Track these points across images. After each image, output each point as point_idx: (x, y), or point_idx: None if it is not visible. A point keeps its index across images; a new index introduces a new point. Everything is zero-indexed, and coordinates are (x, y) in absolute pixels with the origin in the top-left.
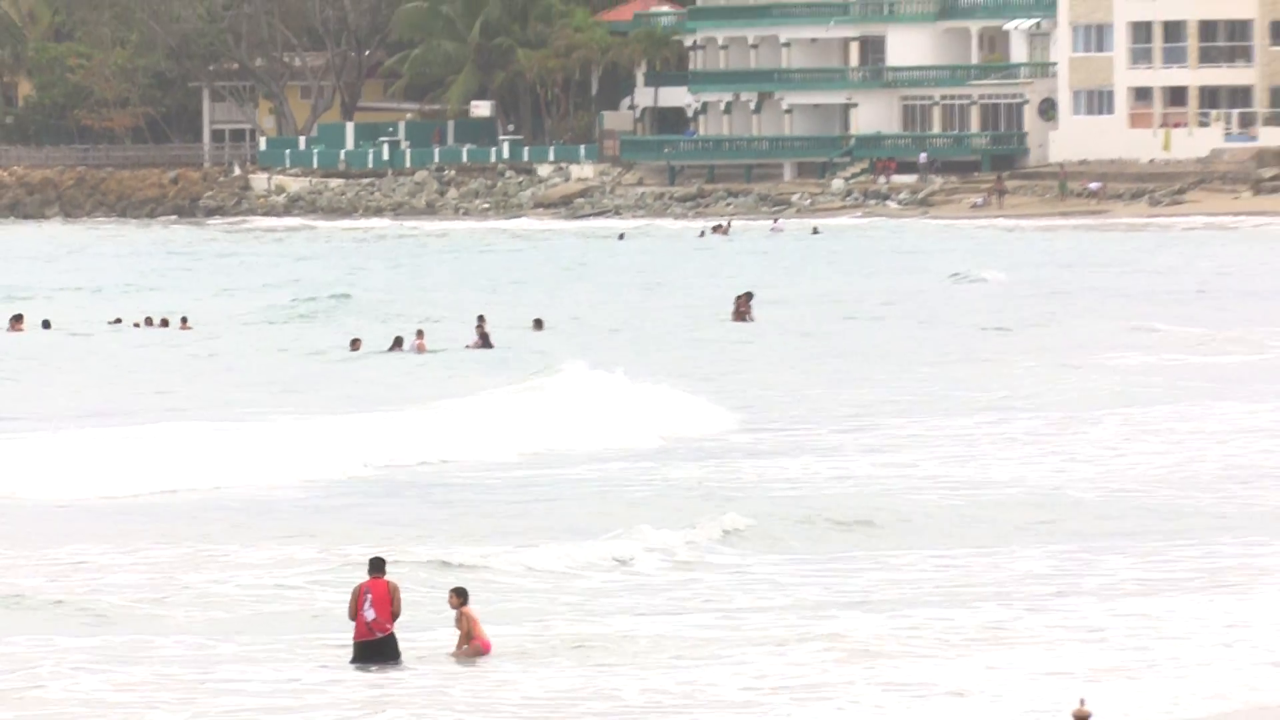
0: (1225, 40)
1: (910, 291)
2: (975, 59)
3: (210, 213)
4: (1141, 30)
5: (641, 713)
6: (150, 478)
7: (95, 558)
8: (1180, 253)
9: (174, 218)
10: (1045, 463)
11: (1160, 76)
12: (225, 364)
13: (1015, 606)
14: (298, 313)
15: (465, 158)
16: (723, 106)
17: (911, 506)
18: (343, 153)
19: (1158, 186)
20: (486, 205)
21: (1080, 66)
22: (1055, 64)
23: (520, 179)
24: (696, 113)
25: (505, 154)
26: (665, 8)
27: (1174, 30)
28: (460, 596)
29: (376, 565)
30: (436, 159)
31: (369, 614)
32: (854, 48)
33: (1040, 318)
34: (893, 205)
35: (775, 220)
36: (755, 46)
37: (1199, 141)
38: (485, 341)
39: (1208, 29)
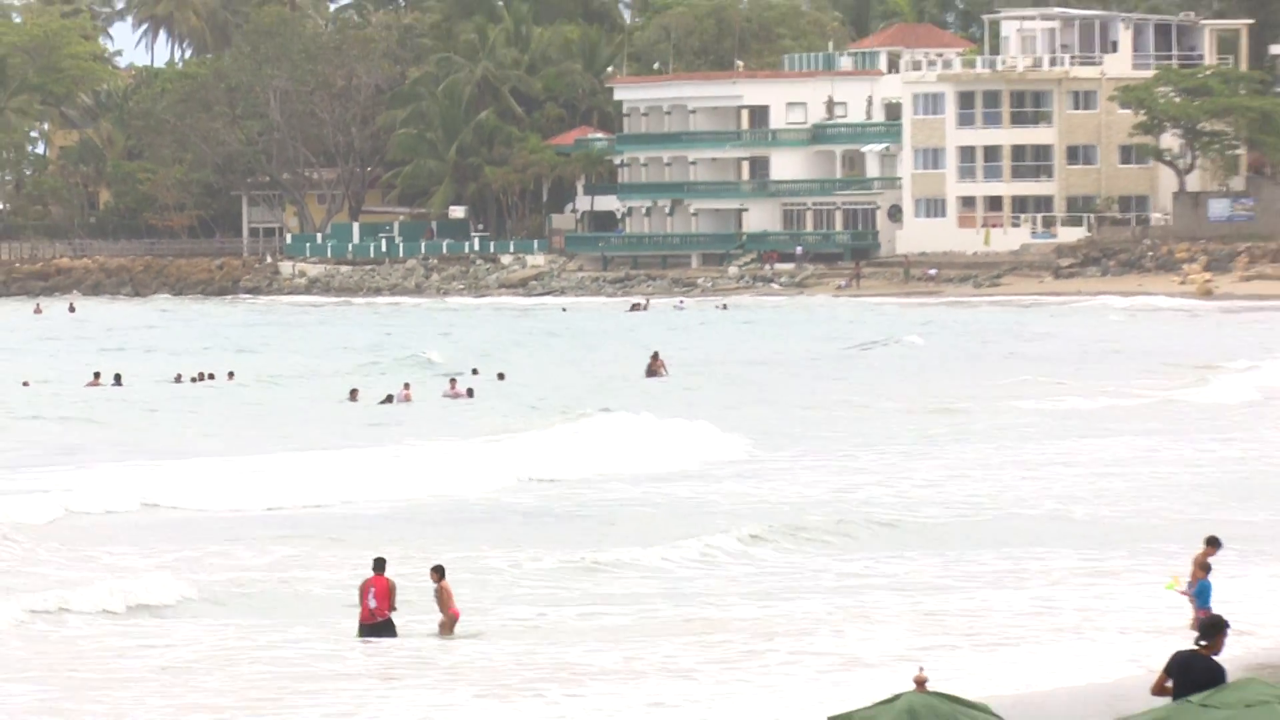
0: (1032, 160)
1: (832, 353)
2: (839, 174)
3: (248, 291)
4: (967, 153)
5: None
6: (298, 494)
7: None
8: (1036, 323)
9: (220, 296)
10: (982, 483)
11: (982, 188)
12: (328, 410)
13: (903, 594)
14: (379, 369)
15: (445, 249)
16: (644, 210)
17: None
18: (350, 245)
19: (980, 272)
20: (462, 286)
21: (920, 180)
22: (900, 178)
23: (488, 266)
24: (624, 215)
25: (476, 247)
26: (599, 135)
27: (992, 153)
28: (439, 573)
29: (378, 565)
30: (423, 250)
31: (371, 603)
32: (745, 165)
33: (967, 370)
34: (776, 287)
35: (680, 301)
36: (669, 164)
37: (1012, 238)
38: (468, 393)
39: (1018, 151)
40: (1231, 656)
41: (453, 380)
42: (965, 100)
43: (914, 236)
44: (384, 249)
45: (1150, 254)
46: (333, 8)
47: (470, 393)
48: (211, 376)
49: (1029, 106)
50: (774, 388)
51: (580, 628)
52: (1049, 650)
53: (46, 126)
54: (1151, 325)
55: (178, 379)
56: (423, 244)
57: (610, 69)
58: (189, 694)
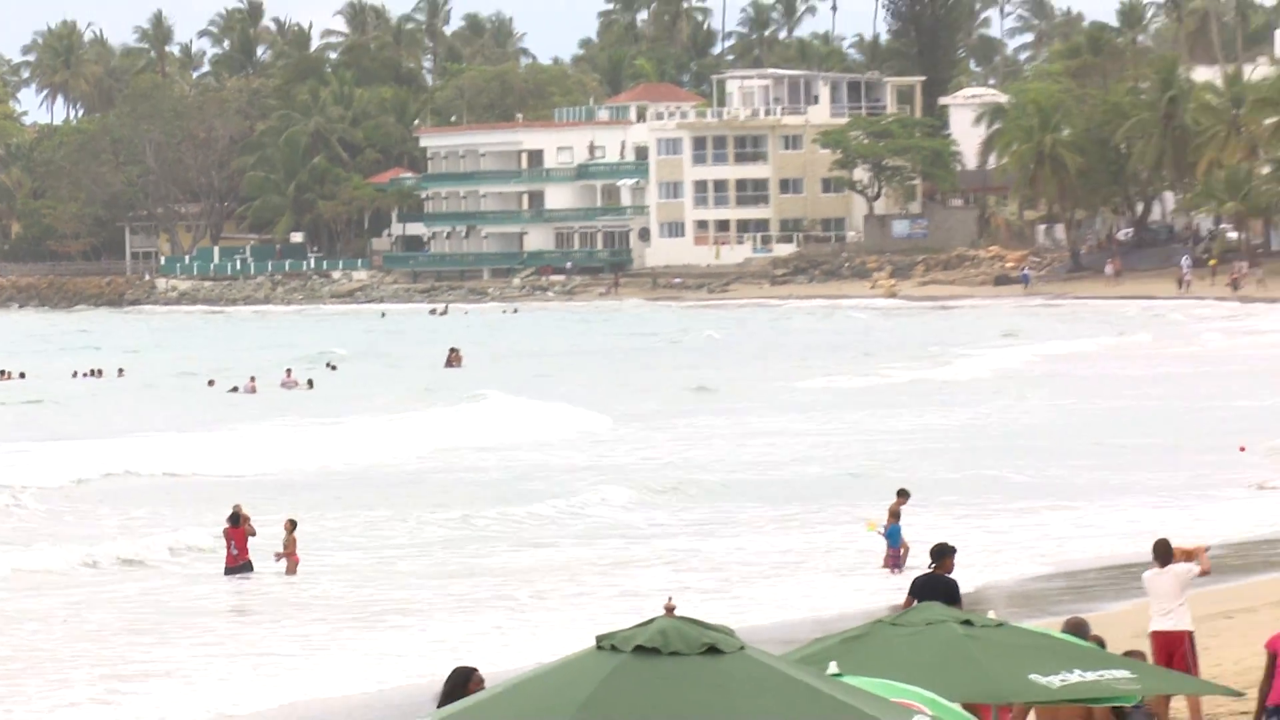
0: (752, 191)
1: (642, 346)
2: (599, 203)
3: (131, 303)
4: (701, 185)
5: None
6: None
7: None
8: (796, 320)
9: (109, 307)
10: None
11: (712, 213)
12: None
13: (679, 540)
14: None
15: (287, 267)
16: (445, 234)
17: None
18: (212, 265)
19: (712, 280)
20: (300, 297)
21: (663, 208)
22: (648, 206)
23: (322, 280)
24: (429, 238)
25: (312, 265)
26: (408, 174)
27: (720, 185)
28: (292, 525)
29: (233, 519)
30: (270, 269)
31: (233, 550)
32: (525, 197)
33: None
34: (550, 295)
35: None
36: (464, 197)
37: (737, 253)
38: (301, 385)
39: (741, 184)
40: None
41: (288, 370)
42: (698, 144)
43: (660, 253)
44: (239, 267)
45: (847, 264)
46: (195, 74)
47: (310, 383)
48: (101, 373)
49: (749, 148)
50: (610, 373)
51: (427, 570)
52: (787, 585)
53: None
54: (872, 321)
55: (74, 374)
56: (269, 263)
57: (417, 121)
58: (84, 625)
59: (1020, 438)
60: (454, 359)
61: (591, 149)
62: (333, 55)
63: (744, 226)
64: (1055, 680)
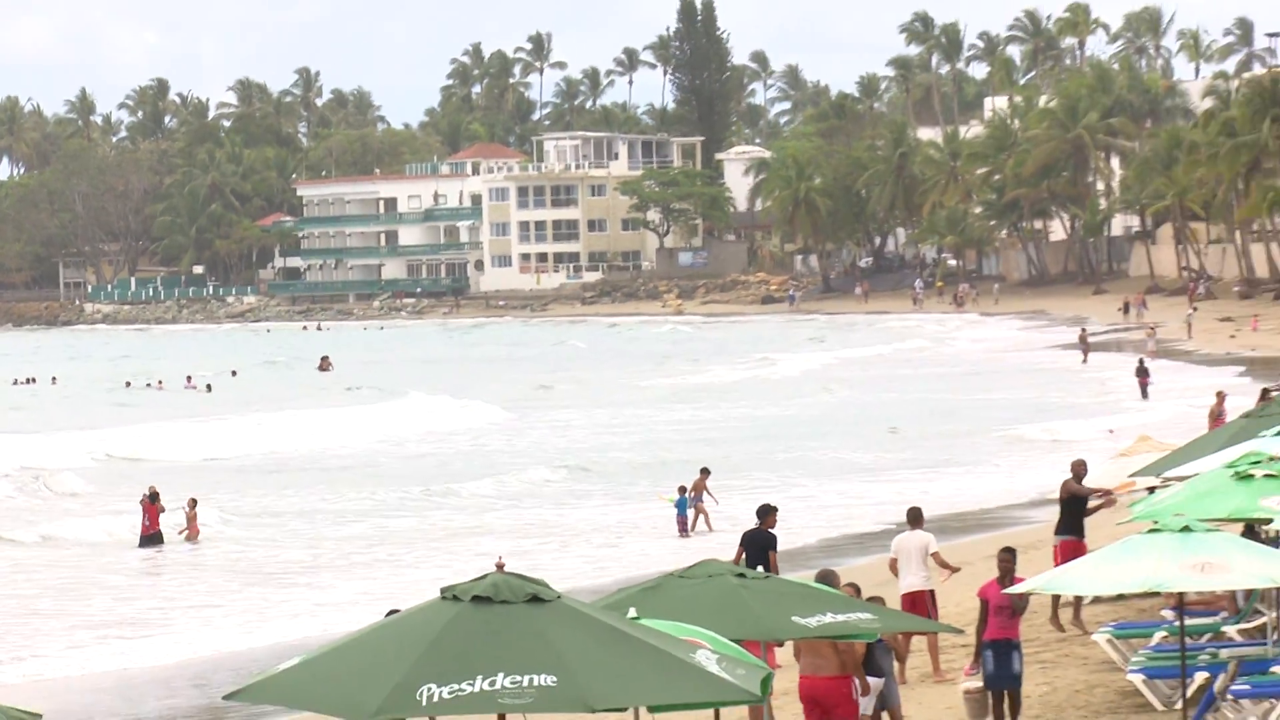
0: (566, 230)
1: (521, 353)
2: (443, 240)
3: (64, 323)
4: (524, 225)
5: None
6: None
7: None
8: (631, 332)
9: (46, 326)
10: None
11: (534, 248)
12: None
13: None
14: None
15: (191, 294)
16: (319, 266)
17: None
18: (129, 292)
19: (534, 302)
20: (201, 317)
21: (494, 243)
22: (482, 242)
23: (219, 304)
24: (305, 269)
25: (210, 291)
26: (288, 218)
27: (540, 225)
28: (194, 503)
29: (153, 496)
30: (176, 295)
31: (145, 521)
32: (382, 236)
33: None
34: (404, 314)
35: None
36: (333, 236)
37: (554, 279)
38: (206, 388)
39: (557, 224)
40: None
41: (189, 376)
42: (522, 192)
43: (491, 280)
44: (151, 294)
45: (643, 288)
46: (114, 139)
47: (209, 388)
48: (34, 380)
49: (562, 195)
50: (498, 374)
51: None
52: (608, 547)
53: None
54: (694, 332)
55: (15, 382)
56: (176, 290)
57: (294, 175)
58: (17, 587)
59: (824, 424)
60: (325, 365)
61: (436, 197)
62: (226, 123)
63: (559, 258)
64: (813, 621)
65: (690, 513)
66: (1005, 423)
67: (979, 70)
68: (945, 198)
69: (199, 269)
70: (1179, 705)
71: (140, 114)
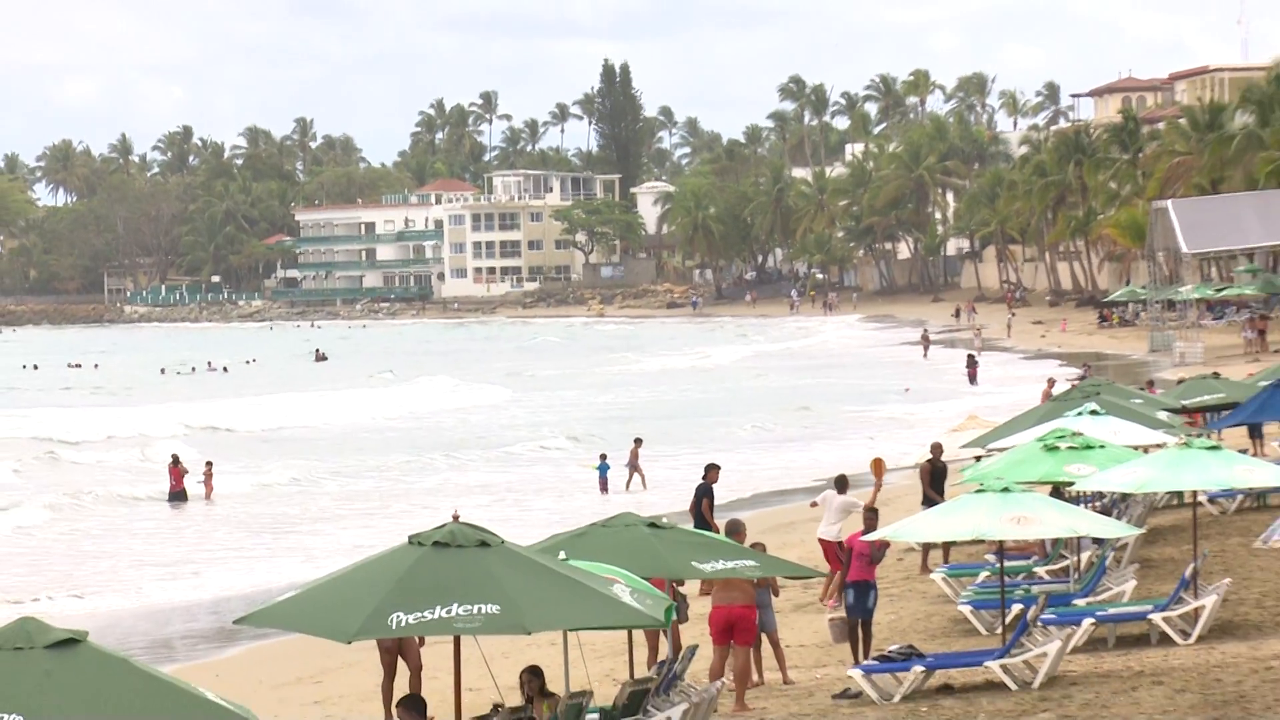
0: (511, 249)
1: (498, 348)
2: (412, 256)
3: (108, 322)
4: (478, 244)
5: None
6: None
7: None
8: (579, 331)
9: (93, 324)
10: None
11: (485, 263)
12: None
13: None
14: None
15: (209, 298)
16: (313, 277)
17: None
18: (160, 296)
19: (485, 306)
20: (218, 317)
21: (453, 259)
22: (444, 259)
23: (233, 307)
24: (303, 279)
25: (226, 297)
26: (288, 238)
27: (489, 245)
28: (209, 465)
29: (175, 459)
30: (198, 299)
31: (171, 481)
32: (363, 252)
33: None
34: (382, 315)
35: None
36: (324, 253)
37: (501, 288)
38: (223, 369)
39: (504, 244)
40: (624, 502)
41: (209, 361)
42: (475, 218)
43: (451, 288)
44: (177, 298)
45: (571, 295)
46: (148, 174)
47: (225, 369)
48: (80, 366)
49: (508, 221)
50: (488, 363)
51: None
52: (549, 502)
53: (2, 238)
54: (629, 330)
55: (69, 365)
56: (198, 295)
57: (293, 204)
58: (30, 542)
59: (753, 403)
60: (320, 356)
61: (406, 222)
62: (238, 162)
63: (505, 271)
64: (708, 566)
65: (627, 472)
66: (871, 404)
67: (842, 122)
68: (814, 224)
69: (216, 278)
70: (999, 631)
71: (169, 154)
